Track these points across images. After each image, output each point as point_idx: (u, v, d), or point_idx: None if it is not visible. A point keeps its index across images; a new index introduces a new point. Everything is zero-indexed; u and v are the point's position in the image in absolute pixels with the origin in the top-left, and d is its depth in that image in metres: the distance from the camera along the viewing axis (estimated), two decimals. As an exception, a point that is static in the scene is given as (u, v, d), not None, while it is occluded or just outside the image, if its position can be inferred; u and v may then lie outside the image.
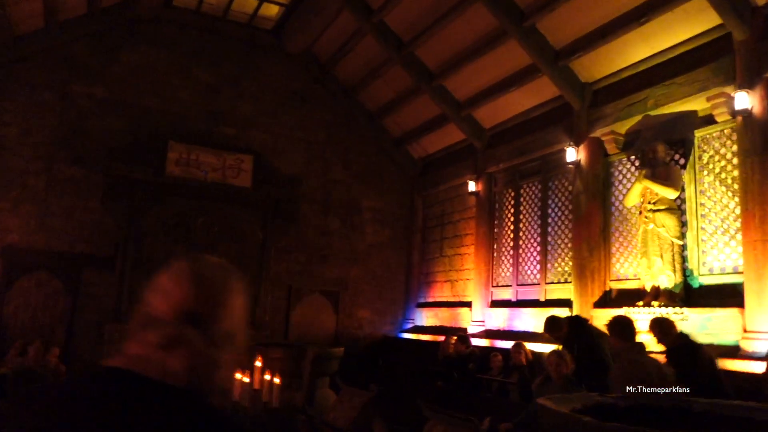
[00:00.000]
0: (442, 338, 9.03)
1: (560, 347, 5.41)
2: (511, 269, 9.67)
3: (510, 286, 9.61)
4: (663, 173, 6.91)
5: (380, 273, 12.12)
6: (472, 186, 10.41)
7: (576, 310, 7.86)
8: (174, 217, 9.98)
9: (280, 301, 11.00)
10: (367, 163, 12.21)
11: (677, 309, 6.36)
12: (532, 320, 8.72)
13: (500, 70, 9.17)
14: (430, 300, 11.68)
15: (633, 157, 7.79)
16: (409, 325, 11.87)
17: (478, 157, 10.51)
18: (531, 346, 7.35)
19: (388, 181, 12.38)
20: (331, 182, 11.81)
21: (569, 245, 8.48)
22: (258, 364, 4.24)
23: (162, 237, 9.78)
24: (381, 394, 4.50)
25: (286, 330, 10.98)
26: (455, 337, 8.41)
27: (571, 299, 8.04)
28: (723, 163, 6.63)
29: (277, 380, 4.12)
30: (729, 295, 6.19)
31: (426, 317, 11.56)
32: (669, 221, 6.74)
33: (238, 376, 4.12)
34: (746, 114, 6.05)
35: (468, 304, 10.31)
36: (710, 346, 6.10)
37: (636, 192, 7.09)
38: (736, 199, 6.37)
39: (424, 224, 12.28)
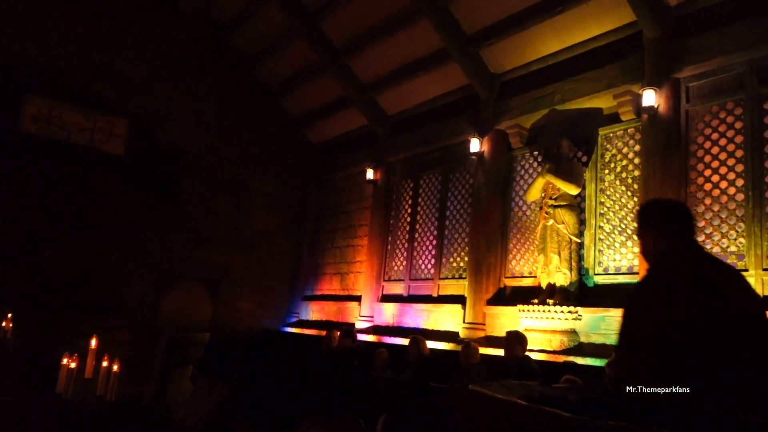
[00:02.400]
0: (324, 333, 8.39)
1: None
2: (405, 263, 9.22)
3: (402, 280, 9.16)
4: (566, 169, 6.73)
5: (267, 262, 11.26)
6: (370, 174, 9.88)
7: (469, 307, 7.53)
8: (30, 182, 8.57)
9: (151, 285, 9.81)
10: (262, 143, 11.30)
11: (571, 308, 6.16)
12: (423, 316, 8.31)
13: (409, 53, 8.71)
14: (318, 293, 11.00)
15: (536, 152, 7.60)
16: (294, 319, 11.12)
17: (378, 144, 10.01)
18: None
19: (283, 164, 11.56)
20: (220, 160, 10.77)
21: (466, 240, 8.16)
22: (93, 345, 3.37)
23: (16, 202, 8.35)
24: (244, 389, 3.77)
25: (155, 318, 9.81)
26: (339, 332, 7.80)
27: (465, 295, 7.71)
28: (624, 162, 6.54)
29: (115, 368, 3.28)
30: (623, 296, 6.05)
31: (312, 311, 10.86)
32: (569, 218, 6.56)
33: (64, 361, 3.23)
34: (652, 112, 5.96)
35: (357, 299, 9.75)
36: (603, 345, 5.95)
37: (538, 187, 6.86)
38: (635, 198, 6.28)
39: (318, 213, 11.60)
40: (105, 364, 3.31)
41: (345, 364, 7.13)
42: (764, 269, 5.12)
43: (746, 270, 5.23)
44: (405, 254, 9.26)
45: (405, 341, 7.78)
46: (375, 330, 8.86)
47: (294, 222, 11.65)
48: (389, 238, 9.63)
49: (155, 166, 9.67)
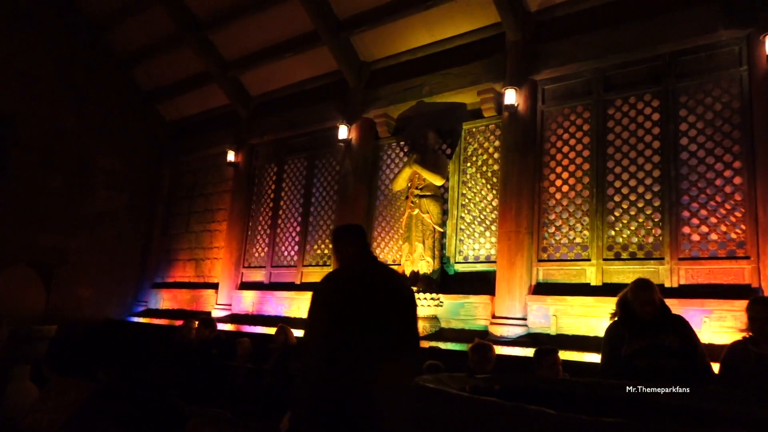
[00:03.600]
0: (180, 323, 7.89)
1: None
2: (266, 249, 8.95)
3: (264, 267, 8.88)
4: (432, 160, 6.92)
5: (111, 246, 10.33)
6: (231, 156, 9.43)
7: (333, 295, 7.49)
8: None
9: (-32, 271, 8.56)
10: (108, 115, 10.30)
11: (434, 294, 6.37)
12: (286, 304, 8.13)
13: (278, 33, 8.41)
14: (170, 280, 10.33)
15: (402, 142, 7.74)
16: (142, 308, 10.33)
17: (241, 126, 9.58)
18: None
19: (131, 141, 10.64)
20: (57, 131, 9.63)
21: (331, 227, 8.10)
22: None
23: None
24: (111, 387, 3.39)
25: (-26, 309, 8.56)
26: (197, 321, 7.37)
27: (329, 283, 7.65)
28: (485, 156, 6.88)
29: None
30: (481, 284, 6.39)
31: (163, 299, 10.17)
32: (433, 208, 6.76)
33: None
34: (512, 110, 6.31)
35: (214, 286, 9.30)
36: (462, 331, 6.23)
37: (405, 176, 6.99)
38: (494, 191, 6.64)
39: (170, 194, 10.85)
40: None
41: (202, 355, 6.75)
42: (605, 259, 5.67)
43: (588, 260, 5.76)
44: (267, 240, 8.99)
45: (266, 330, 7.59)
46: (233, 318, 8.51)
47: (143, 204, 10.81)
48: (250, 224, 9.29)
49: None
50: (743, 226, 5.03)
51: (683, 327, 3.31)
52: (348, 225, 2.96)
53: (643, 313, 3.26)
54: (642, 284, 3.36)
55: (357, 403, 2.34)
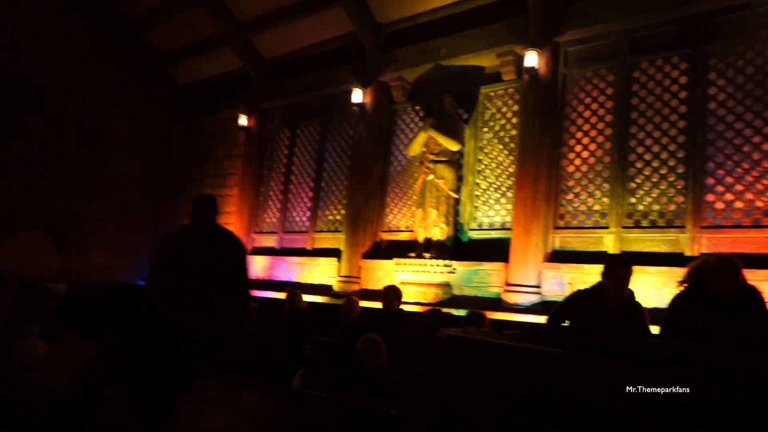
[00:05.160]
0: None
1: None
2: (278, 215, 8.88)
3: (275, 233, 8.82)
4: (448, 125, 6.74)
5: (124, 211, 10.30)
6: (243, 121, 9.30)
7: (345, 261, 7.42)
8: None
9: (-17, 233, 8.57)
10: (121, 79, 10.16)
11: (447, 261, 6.26)
12: (297, 270, 8.08)
13: (292, -8, 8.20)
14: (182, 245, 10.28)
15: (418, 107, 7.55)
16: (154, 272, 10.32)
17: (254, 90, 9.42)
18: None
19: (144, 105, 10.52)
20: (70, 94, 9.52)
21: (344, 193, 7.99)
22: None
23: None
24: (119, 345, 3.35)
25: (-12, 269, 8.60)
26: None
27: (341, 249, 7.58)
28: (503, 122, 6.69)
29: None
30: (495, 251, 6.26)
31: (175, 264, 10.14)
32: (448, 174, 6.61)
33: None
34: (533, 73, 6.10)
35: (226, 251, 9.24)
36: (475, 298, 6.13)
37: (420, 141, 6.82)
38: (511, 157, 6.46)
39: (183, 159, 10.77)
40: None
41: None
42: (624, 227, 5.51)
43: (607, 227, 5.61)
44: (278, 206, 8.91)
45: (276, 295, 7.55)
46: (244, 283, 8.47)
47: (157, 168, 10.74)
48: (262, 189, 9.20)
49: (-10, 95, 8.35)
50: (771, 194, 4.84)
51: (756, 298, 3.10)
52: (198, 195, 3.71)
53: (724, 296, 3.02)
54: (727, 266, 3.06)
55: (163, 316, 3.23)
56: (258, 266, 8.60)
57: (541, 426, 1.23)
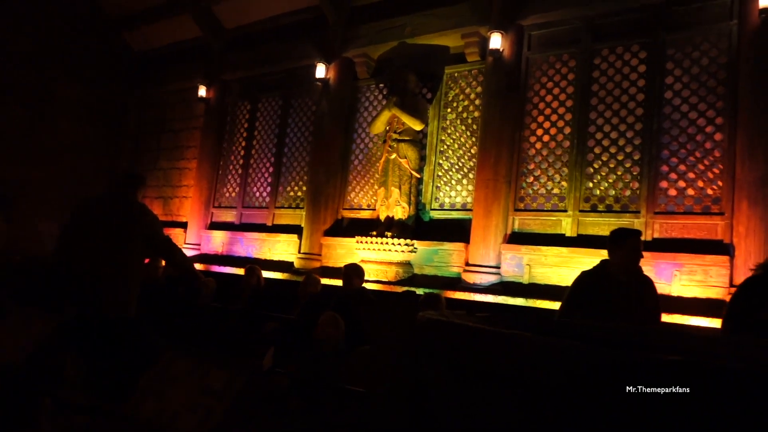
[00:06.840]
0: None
1: None
2: (238, 190, 8.75)
3: (235, 208, 8.71)
4: (411, 104, 6.75)
5: (73, 180, 9.93)
6: (202, 92, 9.08)
7: (305, 237, 7.40)
8: None
9: None
10: (72, 44, 9.74)
11: (408, 240, 6.32)
12: (256, 246, 8.02)
13: (254, -39, 7.98)
14: (136, 218, 10.03)
15: (382, 84, 7.53)
16: (106, 245, 10.06)
17: (213, 60, 9.19)
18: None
19: (96, 70, 10.12)
20: (15, 56, 9.10)
21: (305, 169, 7.94)
22: None
23: None
24: (79, 320, 3.27)
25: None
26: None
27: (302, 226, 7.55)
28: (466, 103, 6.74)
29: None
30: (456, 231, 6.36)
31: (129, 237, 9.89)
32: (411, 153, 6.65)
33: None
34: (497, 56, 6.15)
35: (183, 225, 9.10)
36: (435, 277, 6.22)
37: (383, 119, 6.81)
38: (474, 139, 6.54)
39: (138, 129, 10.46)
40: None
41: (169, 294, 6.62)
42: (581, 210, 5.67)
43: (565, 211, 5.76)
44: (238, 180, 8.78)
45: (235, 270, 7.49)
46: (202, 258, 8.37)
47: (108, 137, 10.39)
48: (221, 163, 9.04)
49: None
50: (720, 183, 5.06)
51: None
52: (126, 172, 4.03)
53: None
54: None
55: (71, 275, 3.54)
56: (217, 241, 8.49)
57: (507, 403, 1.30)
